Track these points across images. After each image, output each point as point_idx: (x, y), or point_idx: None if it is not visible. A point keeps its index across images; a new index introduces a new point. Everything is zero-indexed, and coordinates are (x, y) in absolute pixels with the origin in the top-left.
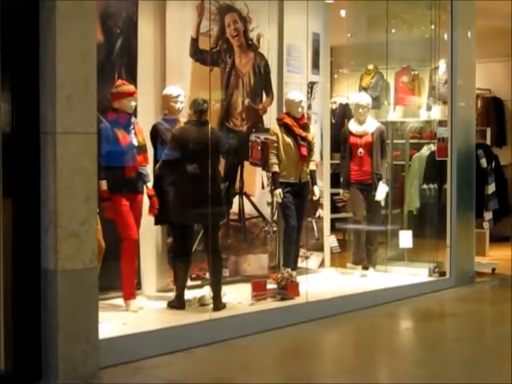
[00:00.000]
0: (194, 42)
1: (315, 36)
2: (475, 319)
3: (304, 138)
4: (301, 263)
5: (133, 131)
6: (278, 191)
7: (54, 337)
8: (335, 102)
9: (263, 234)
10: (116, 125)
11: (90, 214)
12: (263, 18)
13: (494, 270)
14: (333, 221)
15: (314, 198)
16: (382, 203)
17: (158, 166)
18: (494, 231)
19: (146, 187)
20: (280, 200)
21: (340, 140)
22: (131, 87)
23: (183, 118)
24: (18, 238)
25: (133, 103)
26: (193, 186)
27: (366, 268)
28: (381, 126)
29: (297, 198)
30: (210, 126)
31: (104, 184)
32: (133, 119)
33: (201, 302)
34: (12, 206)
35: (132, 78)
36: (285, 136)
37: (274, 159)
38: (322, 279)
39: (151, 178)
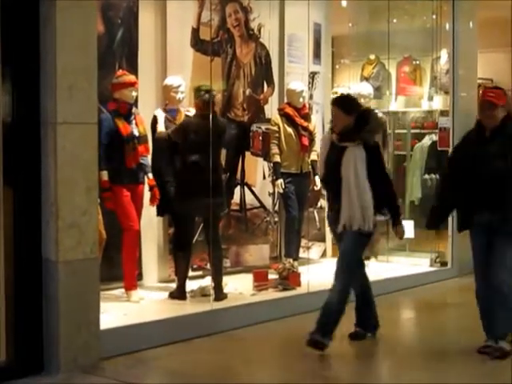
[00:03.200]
0: (195, 32)
1: (316, 26)
2: (476, 309)
3: (305, 128)
4: (302, 253)
5: (134, 121)
6: (280, 181)
7: (56, 327)
8: (336, 92)
9: (265, 224)
10: (117, 115)
11: (91, 204)
12: (264, 8)
13: None
14: None
15: (316, 188)
16: None
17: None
18: None
19: (147, 177)
20: (281, 190)
21: None
22: (132, 77)
23: (183, 108)
24: (19, 229)
25: (133, 93)
26: (194, 176)
27: (367, 258)
28: (382, 115)
29: (298, 189)
30: (216, 116)
31: (105, 174)
32: (134, 109)
33: (203, 293)
34: (13, 197)
35: (133, 69)
36: (286, 126)
37: (275, 149)
38: (324, 269)
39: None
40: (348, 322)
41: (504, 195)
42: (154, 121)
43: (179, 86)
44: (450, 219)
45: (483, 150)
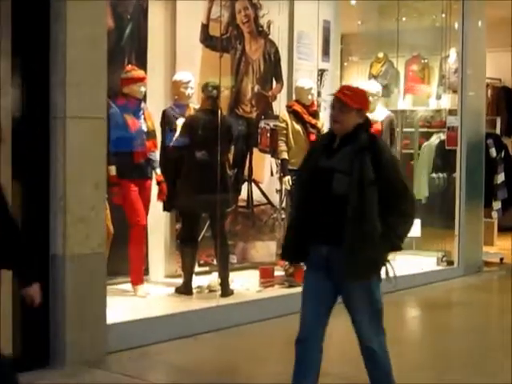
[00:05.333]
0: (205, 28)
1: (326, 23)
2: (483, 308)
3: (313, 126)
4: None
5: (142, 117)
6: (287, 178)
7: (62, 322)
8: None
9: (271, 220)
10: (125, 110)
11: (99, 199)
12: (274, 5)
13: (501, 259)
14: None
15: None
16: None
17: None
18: (502, 221)
19: (155, 173)
20: (289, 187)
21: None
22: (141, 73)
23: (193, 104)
24: (26, 223)
25: (142, 89)
26: (201, 173)
27: None
28: (390, 114)
29: None
30: (220, 112)
31: (113, 169)
32: (142, 105)
33: (209, 288)
34: (21, 191)
35: (142, 64)
36: (294, 123)
37: (283, 146)
38: None
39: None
40: None
41: (344, 225)
42: (163, 117)
43: (189, 82)
44: (456, 218)
45: (326, 163)
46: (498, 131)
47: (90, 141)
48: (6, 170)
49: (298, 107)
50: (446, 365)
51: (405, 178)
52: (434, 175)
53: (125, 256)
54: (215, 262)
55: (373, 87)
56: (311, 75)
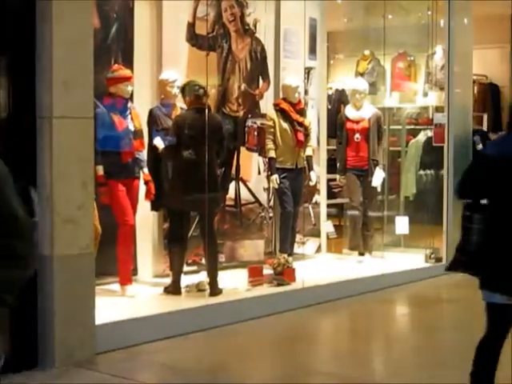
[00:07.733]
0: (191, 26)
1: (312, 21)
2: (471, 305)
3: (301, 124)
4: (297, 249)
5: (129, 116)
6: (275, 177)
7: (51, 322)
8: (331, 88)
9: (259, 219)
10: (112, 109)
11: (87, 199)
12: (260, 3)
13: None
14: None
15: (311, 184)
16: (379, 189)
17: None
18: None
19: (143, 172)
20: (276, 186)
21: (336, 126)
22: (127, 72)
23: (180, 104)
24: None
25: (129, 88)
26: (189, 172)
27: (362, 254)
28: (377, 111)
29: (293, 184)
30: (211, 111)
31: (100, 169)
32: (129, 104)
33: (198, 288)
34: None
35: (128, 63)
36: (281, 121)
37: (270, 145)
38: (319, 265)
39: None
40: None
41: None
42: (150, 116)
43: (175, 81)
44: (444, 215)
45: None
46: (484, 128)
47: (77, 140)
48: None
49: (285, 105)
50: (438, 362)
51: (16, 201)
52: (421, 172)
53: (113, 256)
54: (204, 261)
55: (359, 85)
56: (298, 73)
